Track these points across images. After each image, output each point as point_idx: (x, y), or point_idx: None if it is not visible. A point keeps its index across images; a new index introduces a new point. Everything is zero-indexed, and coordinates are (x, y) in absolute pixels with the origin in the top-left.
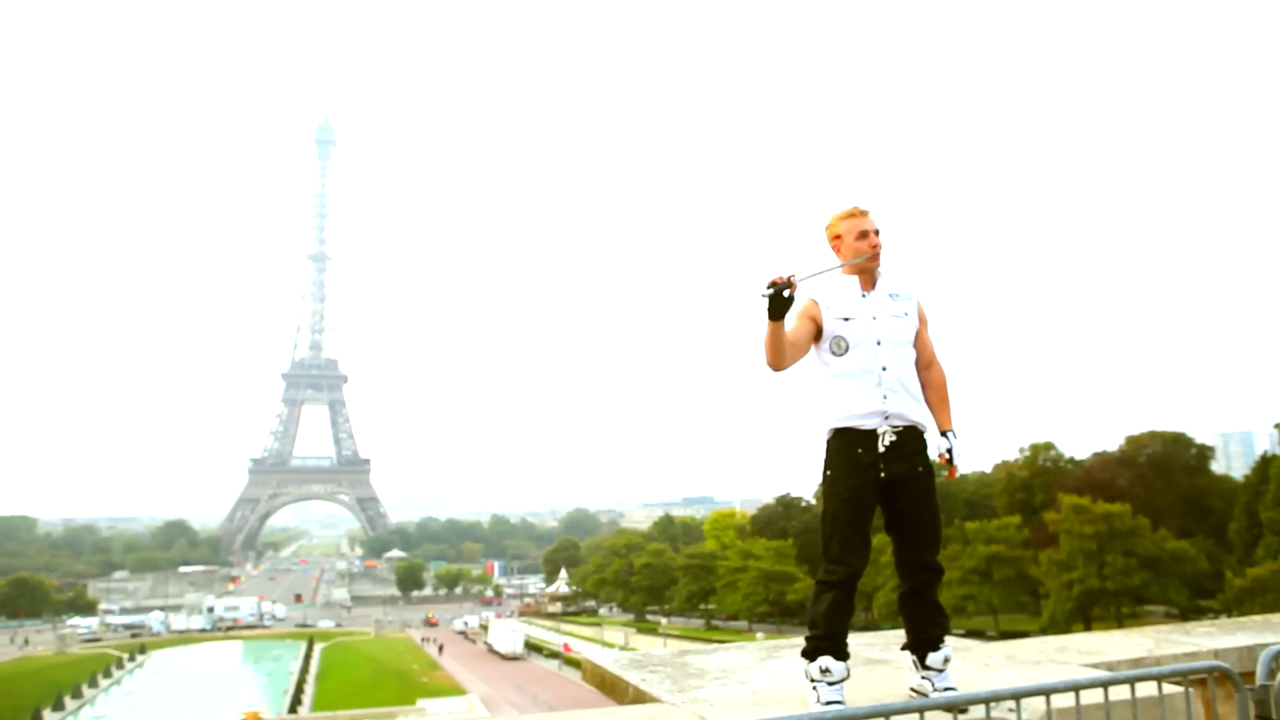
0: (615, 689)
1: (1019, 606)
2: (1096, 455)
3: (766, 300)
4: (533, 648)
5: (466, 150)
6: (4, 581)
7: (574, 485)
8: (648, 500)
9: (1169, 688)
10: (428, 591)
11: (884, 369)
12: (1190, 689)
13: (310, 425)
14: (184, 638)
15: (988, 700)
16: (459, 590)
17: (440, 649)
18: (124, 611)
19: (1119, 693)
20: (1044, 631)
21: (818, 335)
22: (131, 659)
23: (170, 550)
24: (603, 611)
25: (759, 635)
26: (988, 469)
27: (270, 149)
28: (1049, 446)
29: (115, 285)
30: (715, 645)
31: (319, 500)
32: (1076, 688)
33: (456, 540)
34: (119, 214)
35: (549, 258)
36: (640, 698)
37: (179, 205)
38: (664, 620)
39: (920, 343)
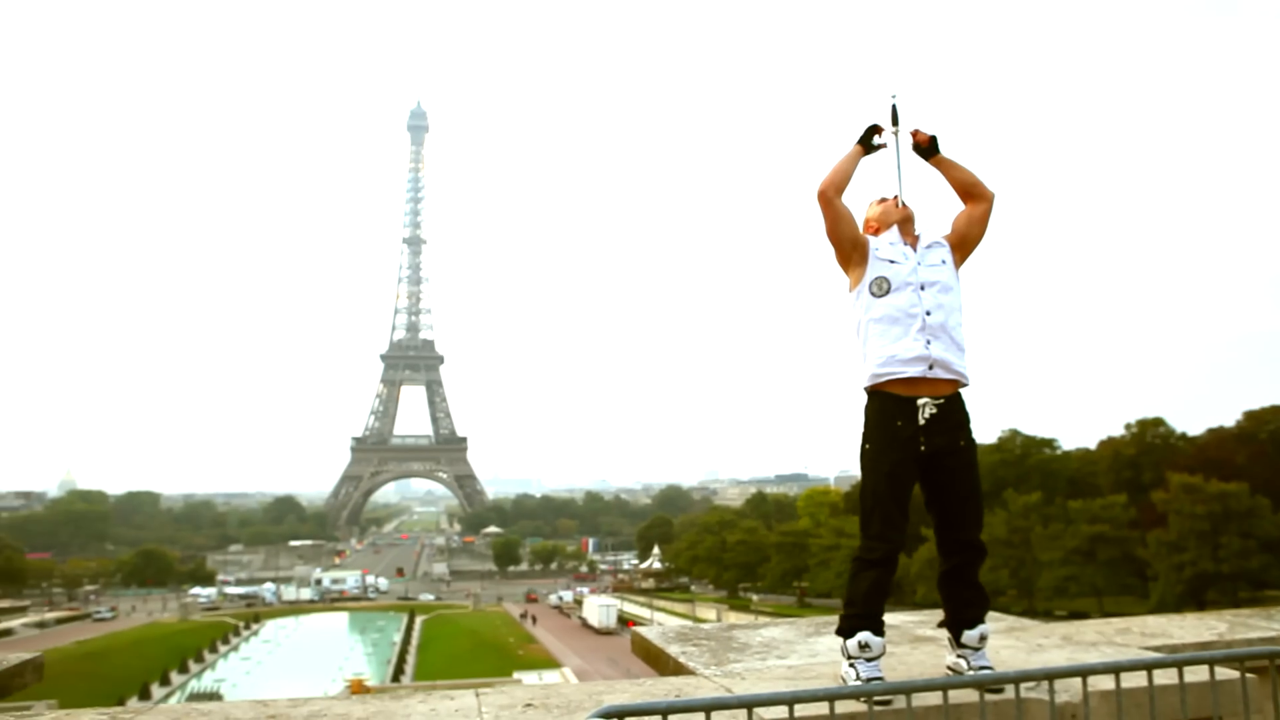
0: (658, 661)
1: (1125, 589)
2: (1211, 431)
3: (891, 108)
4: (626, 623)
5: (559, 128)
6: (133, 553)
7: (667, 462)
8: (740, 477)
9: (1225, 672)
10: (524, 567)
11: (927, 313)
12: (1247, 675)
13: (409, 405)
14: (294, 608)
15: (1018, 680)
16: (554, 566)
17: (534, 621)
18: (239, 582)
19: (1166, 676)
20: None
21: (856, 270)
22: (247, 627)
23: (281, 525)
24: (695, 588)
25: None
26: (1092, 445)
27: (366, 136)
28: (1158, 423)
29: (230, 274)
30: (764, 620)
31: (419, 477)
32: (1117, 669)
33: (552, 517)
34: (232, 204)
35: (641, 232)
36: (679, 670)
37: (285, 194)
38: (755, 597)
39: (962, 227)
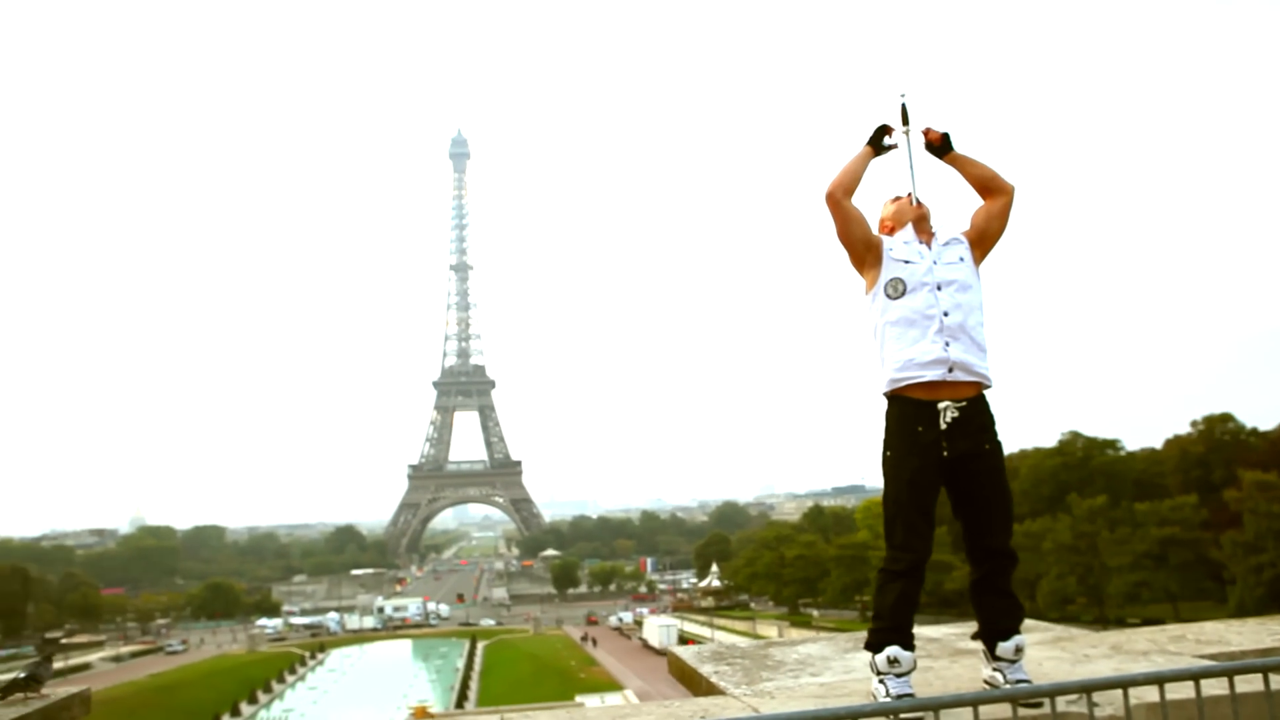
0: (692, 681)
1: (1201, 593)
2: None
3: (901, 107)
4: (686, 642)
5: (599, 148)
6: (201, 586)
7: (722, 478)
8: (797, 491)
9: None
10: (583, 589)
11: (945, 314)
12: None
13: (463, 430)
14: (358, 636)
15: (1054, 693)
16: (613, 587)
17: (594, 643)
18: (304, 612)
19: (1218, 686)
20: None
21: (871, 272)
22: (313, 657)
23: (342, 554)
24: (755, 605)
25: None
26: (1157, 445)
27: (410, 165)
28: (1227, 419)
29: (285, 308)
30: (803, 636)
31: (476, 503)
32: (1161, 679)
33: (609, 538)
34: (285, 238)
35: (688, 248)
36: (711, 690)
37: (335, 226)
38: (815, 613)
39: (981, 223)
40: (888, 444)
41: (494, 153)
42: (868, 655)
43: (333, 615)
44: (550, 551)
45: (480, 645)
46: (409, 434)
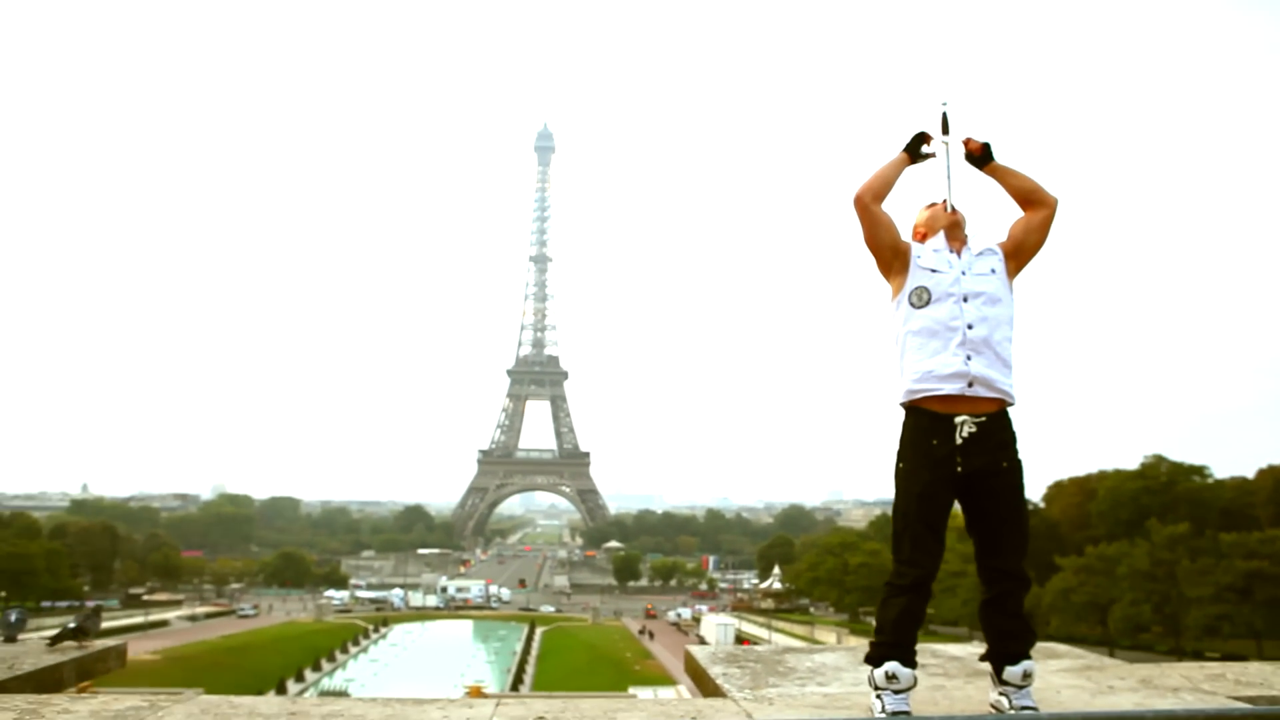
0: (701, 681)
1: None
2: None
3: (942, 116)
4: (742, 642)
5: (682, 145)
6: (275, 555)
7: (790, 481)
8: (865, 498)
9: None
10: (643, 582)
11: (969, 327)
12: None
13: (534, 419)
14: (420, 614)
15: None
16: (673, 582)
17: (651, 637)
18: (370, 587)
19: None
20: None
21: (897, 278)
22: (376, 630)
23: (410, 533)
24: (816, 611)
25: (973, 643)
26: (1250, 474)
27: (496, 157)
28: None
29: (368, 291)
30: (822, 645)
31: (543, 491)
32: (1172, 718)
33: (672, 533)
34: (374, 225)
35: (764, 246)
36: (715, 691)
37: (420, 215)
38: (874, 622)
39: (1019, 235)
40: (901, 455)
41: (578, 146)
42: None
43: (397, 591)
44: (613, 543)
45: (539, 631)
46: (481, 419)
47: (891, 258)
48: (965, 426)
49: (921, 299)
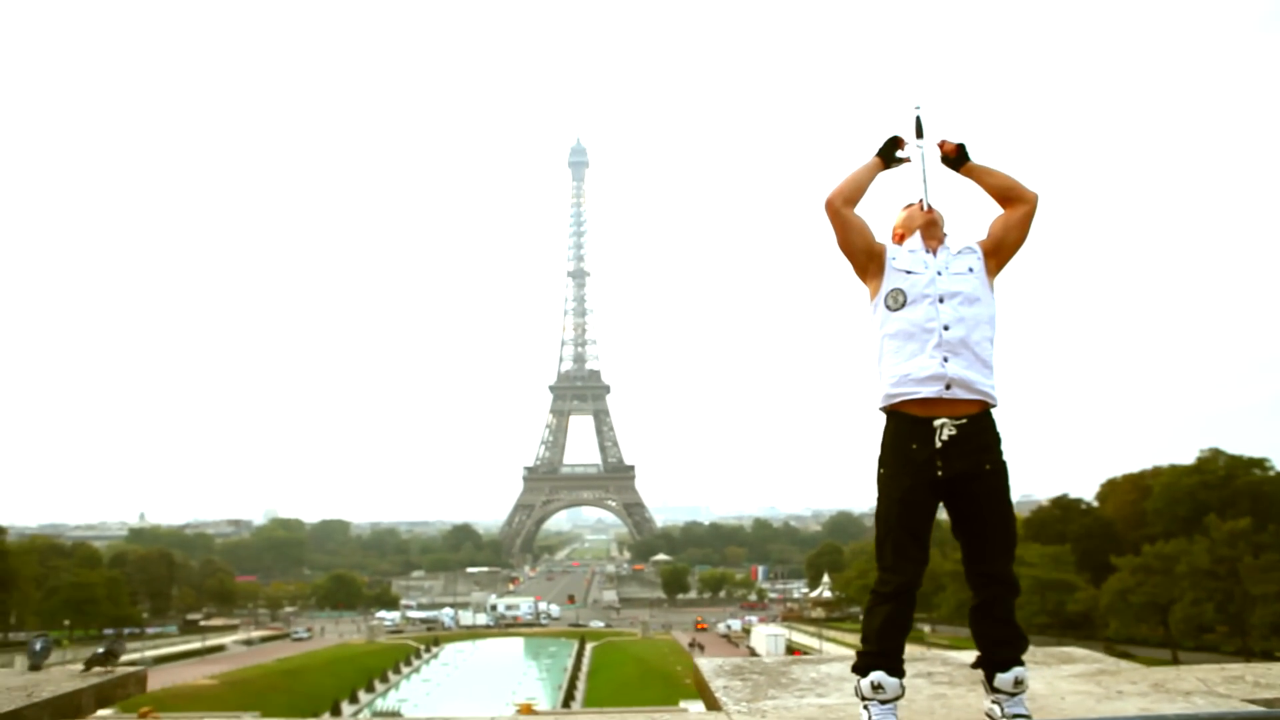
0: (704, 693)
1: None
2: None
3: (915, 120)
4: (793, 652)
5: (716, 156)
6: (326, 577)
7: (838, 487)
8: None
9: None
10: (692, 595)
11: (945, 328)
12: None
13: (578, 434)
14: (471, 632)
15: None
16: (722, 594)
17: (701, 650)
18: (420, 607)
19: None
20: None
21: (874, 281)
22: (428, 650)
23: (459, 552)
24: None
25: None
26: None
27: (530, 173)
28: None
29: (407, 311)
30: (829, 655)
31: (589, 506)
32: None
33: (720, 544)
34: (409, 243)
35: (800, 253)
36: (713, 704)
37: (456, 233)
38: (927, 628)
39: (998, 232)
40: (882, 461)
41: (612, 160)
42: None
43: (448, 611)
44: (661, 556)
45: (589, 646)
46: (525, 436)
47: (866, 261)
48: (945, 429)
49: (897, 301)
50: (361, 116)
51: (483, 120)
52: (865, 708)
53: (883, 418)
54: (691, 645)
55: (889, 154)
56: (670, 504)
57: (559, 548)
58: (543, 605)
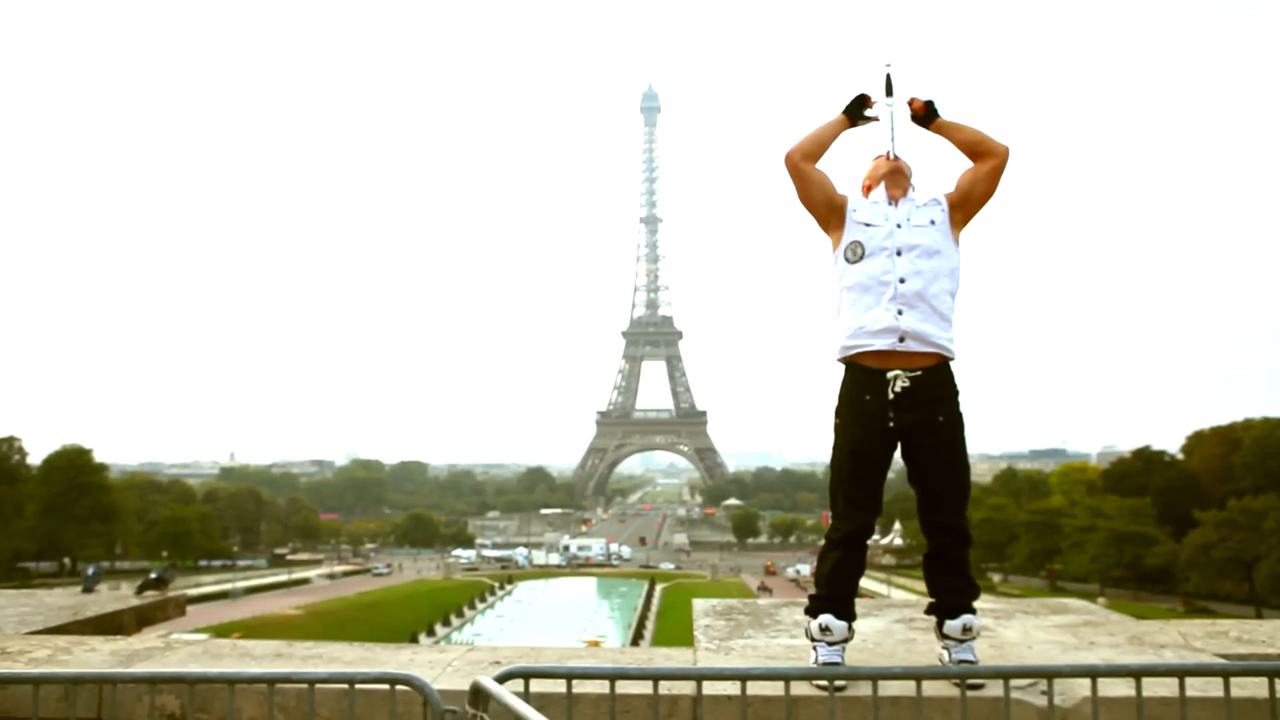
0: (689, 633)
1: None
2: None
3: (886, 78)
4: (860, 597)
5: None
6: (405, 516)
7: None
8: (991, 452)
9: (1257, 688)
10: (762, 539)
11: (901, 280)
12: None
13: (650, 379)
14: (543, 571)
15: (1008, 675)
16: (793, 539)
17: (770, 593)
18: (495, 546)
19: (1204, 686)
20: None
21: (835, 234)
22: (501, 587)
23: (533, 494)
24: None
25: (1100, 601)
26: None
27: (603, 120)
28: None
29: (485, 259)
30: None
31: (661, 450)
32: (1138, 673)
33: (791, 490)
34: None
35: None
36: (690, 642)
37: (533, 181)
38: (996, 578)
39: (966, 185)
40: (837, 412)
41: (684, 106)
42: (867, 623)
43: (521, 550)
44: (732, 501)
45: (658, 588)
46: (599, 381)
47: (828, 213)
48: (898, 381)
49: (855, 254)
50: (440, 68)
51: (557, 68)
52: (814, 648)
53: (841, 369)
54: (760, 589)
55: (856, 112)
56: (742, 449)
57: (631, 491)
58: (614, 546)
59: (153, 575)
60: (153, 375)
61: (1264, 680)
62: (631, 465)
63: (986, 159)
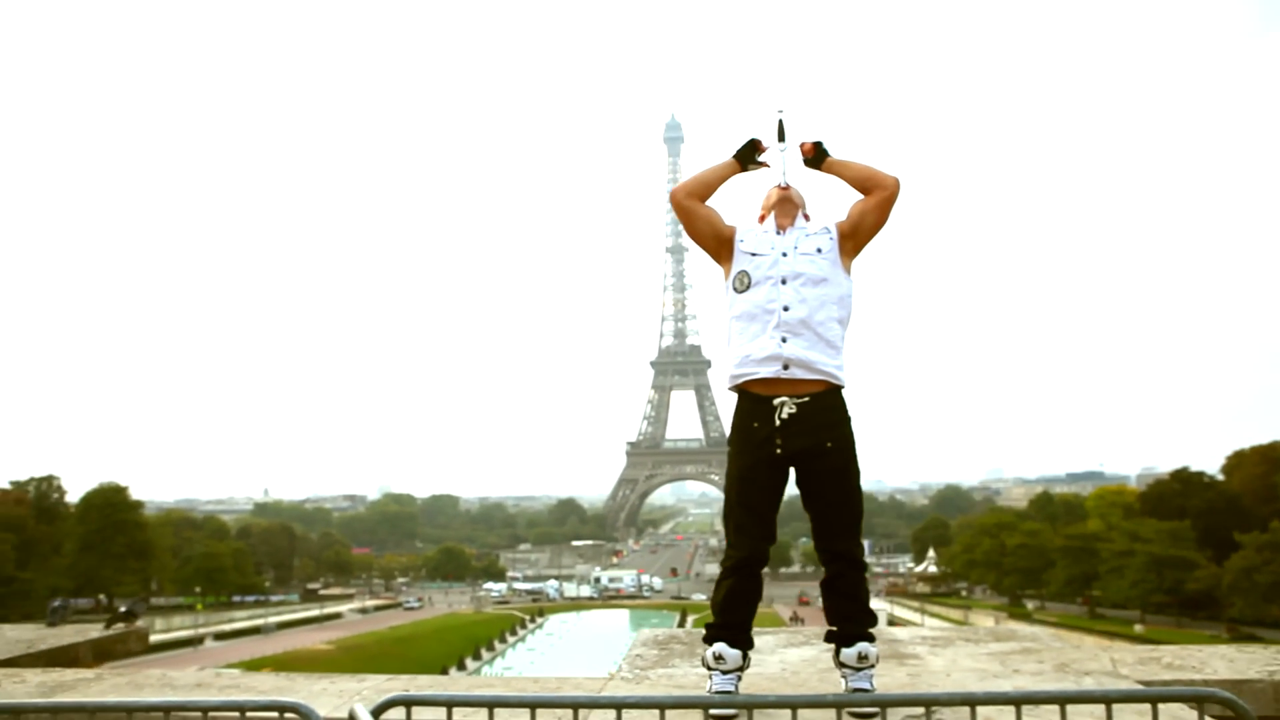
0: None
1: None
2: None
3: (778, 124)
4: (893, 624)
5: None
6: (436, 550)
7: (946, 460)
8: (1027, 475)
9: (1181, 712)
10: (795, 569)
11: (785, 309)
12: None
13: (680, 409)
14: (575, 604)
15: (890, 704)
16: None
17: (802, 623)
18: (526, 579)
19: (1096, 712)
20: None
21: (726, 264)
22: (533, 620)
23: (564, 526)
24: (976, 594)
25: (1137, 628)
26: None
27: (627, 151)
28: None
29: (511, 292)
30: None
31: (692, 480)
32: (1019, 701)
33: None
34: (511, 221)
35: (897, 225)
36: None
37: (557, 211)
38: (1032, 605)
39: (856, 215)
40: (729, 439)
41: (706, 135)
42: (799, 651)
43: (552, 583)
44: None
45: (690, 619)
46: (628, 412)
47: (717, 246)
48: (785, 408)
49: (743, 283)
50: (465, 94)
51: (580, 97)
52: (710, 677)
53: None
54: (793, 619)
55: (748, 157)
56: None
57: (663, 521)
58: (645, 578)
59: (122, 609)
60: (189, 413)
61: (1147, 706)
62: (663, 495)
63: (877, 192)
